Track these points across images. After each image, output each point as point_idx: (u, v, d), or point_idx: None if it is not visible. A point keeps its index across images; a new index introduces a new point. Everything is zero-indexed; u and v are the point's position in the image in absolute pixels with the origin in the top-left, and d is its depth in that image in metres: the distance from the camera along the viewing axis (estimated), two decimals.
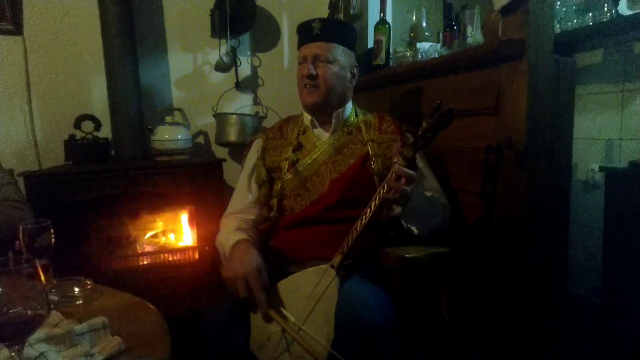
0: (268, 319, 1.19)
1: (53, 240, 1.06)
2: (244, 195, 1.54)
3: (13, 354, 0.63)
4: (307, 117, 1.55)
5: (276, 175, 1.50)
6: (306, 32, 1.48)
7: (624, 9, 1.82)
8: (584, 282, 2.02)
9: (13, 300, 0.62)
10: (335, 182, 1.42)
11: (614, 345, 1.58)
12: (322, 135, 1.53)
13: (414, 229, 1.33)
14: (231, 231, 1.42)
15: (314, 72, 1.44)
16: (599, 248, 1.80)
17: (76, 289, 1.13)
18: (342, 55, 1.48)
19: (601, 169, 1.79)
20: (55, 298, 1.07)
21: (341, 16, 2.39)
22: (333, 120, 1.50)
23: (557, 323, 1.38)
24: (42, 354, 0.75)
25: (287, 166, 1.47)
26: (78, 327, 0.83)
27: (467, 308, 1.49)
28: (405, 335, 1.24)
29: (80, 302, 1.09)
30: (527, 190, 1.27)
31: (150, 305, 1.08)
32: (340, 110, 1.51)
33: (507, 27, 1.29)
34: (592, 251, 1.98)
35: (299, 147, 1.51)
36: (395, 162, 1.16)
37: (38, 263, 0.65)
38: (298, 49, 1.52)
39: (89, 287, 1.15)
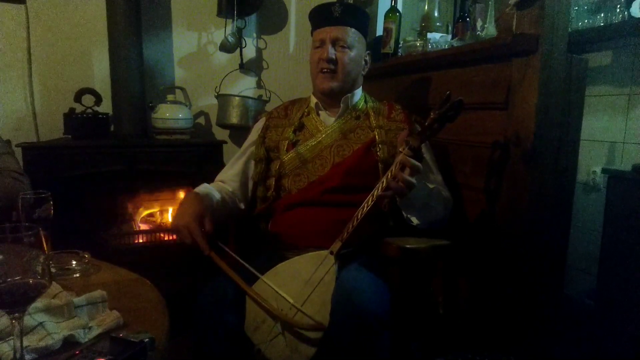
0: (210, 261, 1.25)
1: (52, 211, 1.04)
2: (229, 167, 1.58)
3: (13, 321, 0.62)
4: (312, 100, 1.53)
5: (274, 155, 1.49)
6: (324, 15, 1.46)
7: (636, 11, 1.81)
8: (578, 284, 2.03)
9: (15, 268, 0.61)
10: (338, 166, 1.41)
11: (606, 349, 1.59)
12: (328, 119, 1.51)
13: (414, 219, 1.32)
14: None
15: (334, 57, 1.42)
16: (595, 251, 1.80)
17: (74, 262, 1.12)
18: (358, 41, 1.46)
19: (604, 171, 1.80)
20: (52, 270, 1.05)
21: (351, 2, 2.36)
22: (341, 105, 1.49)
23: (551, 324, 1.38)
24: (40, 323, 0.75)
25: (286, 146, 1.46)
26: (77, 300, 0.83)
27: (463, 304, 1.49)
28: (400, 326, 1.24)
29: (78, 275, 1.08)
30: (532, 189, 1.27)
31: (148, 282, 1.07)
32: (349, 95, 1.49)
33: (522, 22, 1.27)
34: (588, 254, 1.99)
35: (300, 129, 1.50)
36: (401, 152, 1.15)
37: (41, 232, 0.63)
38: (312, 32, 1.50)
39: (86, 260, 1.14)
